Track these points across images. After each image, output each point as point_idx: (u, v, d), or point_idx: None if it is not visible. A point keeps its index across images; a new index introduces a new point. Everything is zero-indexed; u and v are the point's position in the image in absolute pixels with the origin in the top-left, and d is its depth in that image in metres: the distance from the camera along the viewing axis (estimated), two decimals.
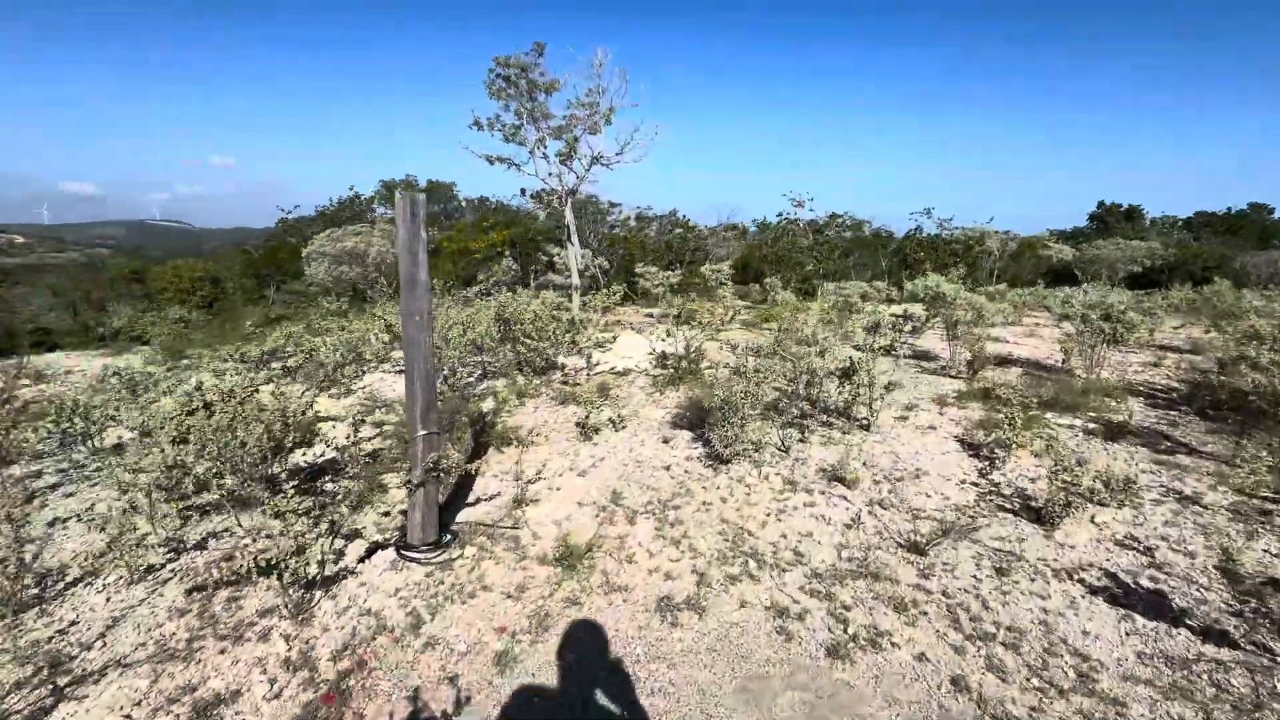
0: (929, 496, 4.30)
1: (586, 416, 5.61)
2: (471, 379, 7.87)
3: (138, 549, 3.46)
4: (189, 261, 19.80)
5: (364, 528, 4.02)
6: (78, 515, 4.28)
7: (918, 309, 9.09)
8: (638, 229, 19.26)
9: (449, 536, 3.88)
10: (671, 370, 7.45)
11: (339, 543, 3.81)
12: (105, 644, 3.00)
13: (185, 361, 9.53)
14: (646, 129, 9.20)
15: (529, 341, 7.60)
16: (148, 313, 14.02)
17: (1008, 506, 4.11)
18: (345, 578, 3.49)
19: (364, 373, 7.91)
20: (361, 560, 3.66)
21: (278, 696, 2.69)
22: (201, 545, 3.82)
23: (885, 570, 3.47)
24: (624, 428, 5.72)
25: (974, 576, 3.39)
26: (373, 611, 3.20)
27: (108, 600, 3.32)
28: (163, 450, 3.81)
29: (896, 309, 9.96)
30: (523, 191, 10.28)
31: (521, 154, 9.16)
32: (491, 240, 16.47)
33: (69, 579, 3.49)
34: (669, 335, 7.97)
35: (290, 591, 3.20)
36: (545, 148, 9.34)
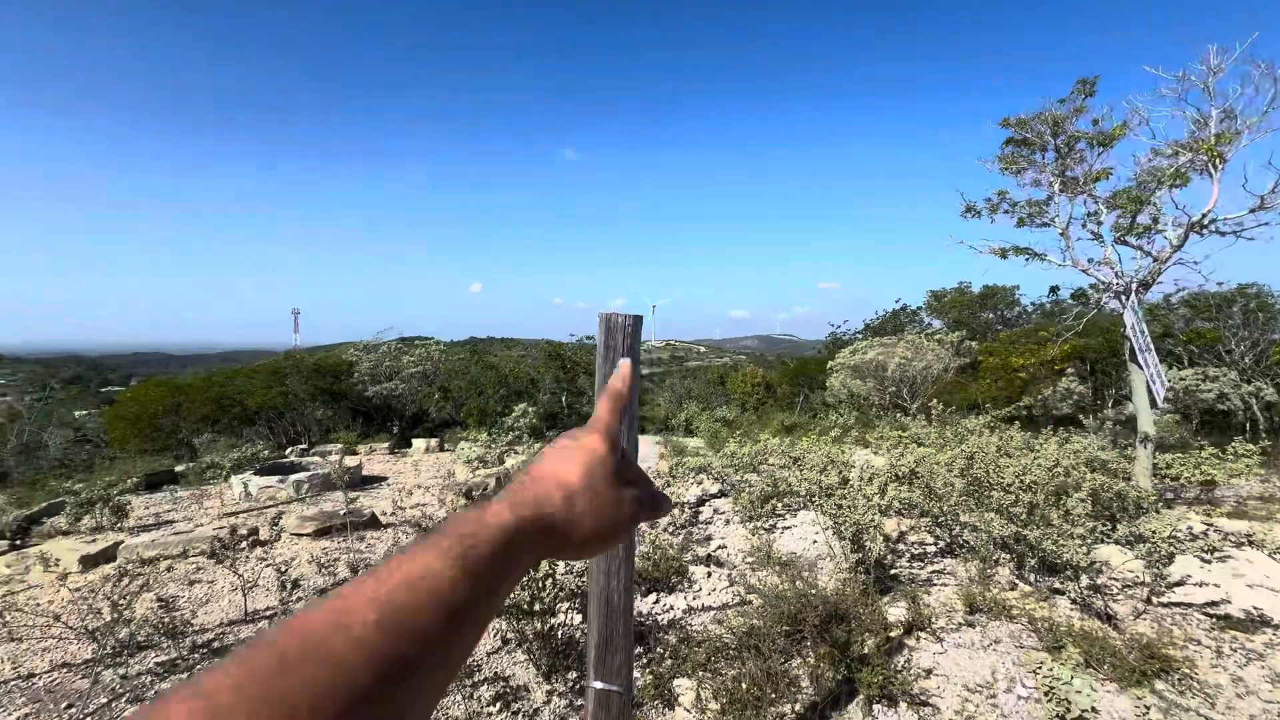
0: None
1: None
2: (916, 550, 5.51)
3: None
4: (752, 369, 23.75)
5: None
6: None
7: None
8: None
9: None
10: None
11: None
12: None
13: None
14: None
15: (1010, 504, 4.68)
16: (705, 410, 17.35)
17: None
18: None
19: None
20: None
21: None
22: None
23: None
24: None
25: None
26: None
27: None
28: None
29: None
30: (1053, 290, 6.98)
31: (1048, 239, 6.25)
32: (1043, 355, 12.44)
33: None
34: None
35: None
36: (1098, 222, 6.06)
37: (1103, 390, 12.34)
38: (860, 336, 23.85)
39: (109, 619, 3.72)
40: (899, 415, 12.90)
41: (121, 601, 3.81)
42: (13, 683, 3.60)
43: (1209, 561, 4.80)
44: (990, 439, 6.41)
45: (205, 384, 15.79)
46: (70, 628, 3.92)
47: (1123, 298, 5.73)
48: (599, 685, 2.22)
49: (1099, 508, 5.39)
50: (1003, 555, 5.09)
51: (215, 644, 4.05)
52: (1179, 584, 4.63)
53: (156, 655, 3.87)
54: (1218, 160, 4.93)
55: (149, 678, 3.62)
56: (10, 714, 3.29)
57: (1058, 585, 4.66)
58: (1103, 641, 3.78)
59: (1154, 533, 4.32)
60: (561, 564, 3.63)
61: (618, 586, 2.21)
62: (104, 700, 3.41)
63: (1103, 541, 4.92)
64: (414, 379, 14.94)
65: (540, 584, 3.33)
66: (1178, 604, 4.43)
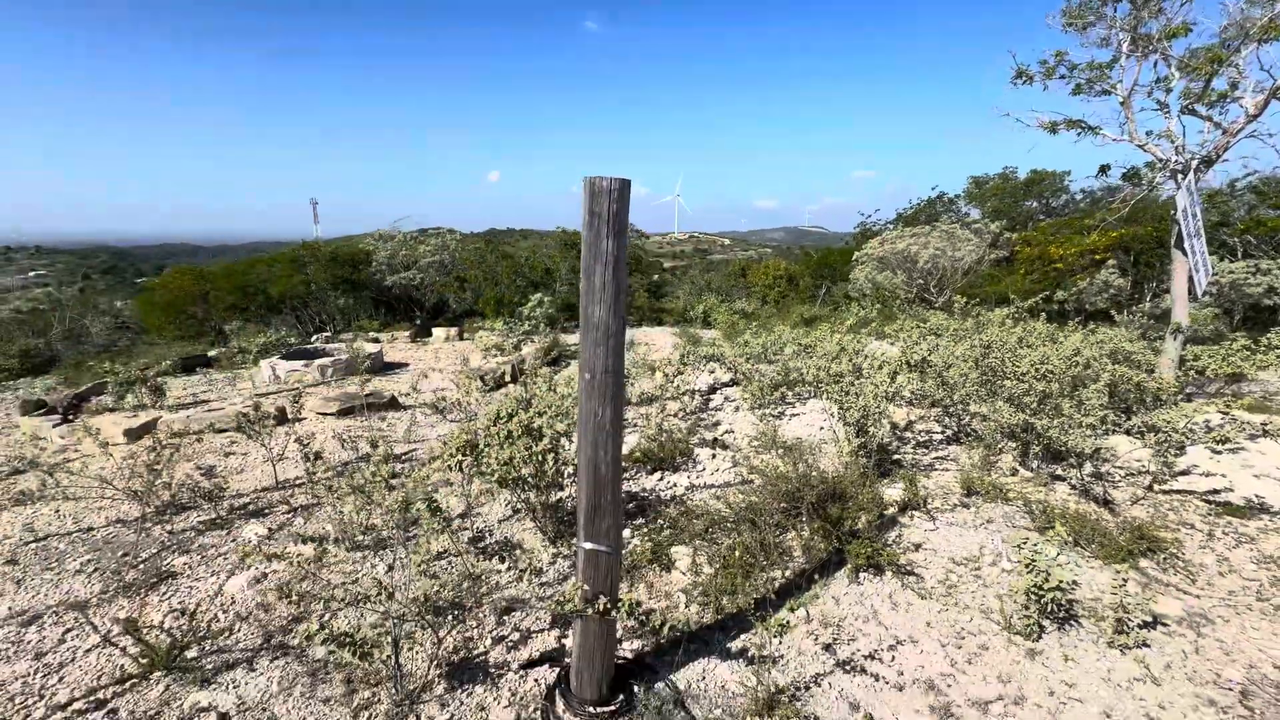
0: None
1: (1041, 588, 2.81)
2: (922, 438, 5.57)
3: None
4: (775, 261, 23.07)
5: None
6: None
7: None
8: None
9: (622, 701, 2.52)
10: None
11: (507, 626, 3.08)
12: None
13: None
14: None
15: (1023, 393, 4.63)
16: (724, 302, 17.14)
17: None
18: (481, 683, 2.73)
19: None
20: (524, 668, 2.81)
21: None
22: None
23: None
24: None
25: None
26: None
27: None
28: None
29: None
30: (1103, 170, 6.38)
31: (1105, 111, 5.59)
32: (1085, 245, 11.72)
33: None
34: None
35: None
36: (1166, 89, 5.36)
37: (1144, 285, 11.73)
38: (891, 227, 22.74)
39: (149, 481, 4.02)
40: (923, 309, 12.58)
41: (159, 467, 4.09)
42: (75, 534, 3.99)
43: (1219, 452, 4.75)
44: (1012, 330, 6.21)
45: (229, 272, 16.01)
46: (119, 489, 4.27)
47: (1179, 176, 5.19)
48: (588, 546, 2.34)
49: (1115, 399, 5.30)
50: (1008, 443, 5.11)
51: (250, 506, 4.39)
52: (1184, 473, 4.62)
53: (198, 515, 4.23)
54: None
55: (192, 533, 3.98)
56: (75, 560, 3.67)
57: (1059, 472, 4.70)
58: (1094, 523, 3.86)
59: (1168, 423, 4.25)
60: (565, 439, 3.73)
61: (605, 458, 2.25)
62: (154, 550, 3.77)
63: (1113, 432, 4.88)
64: (431, 269, 14.91)
65: (541, 458, 3.45)
66: (1179, 491, 4.45)
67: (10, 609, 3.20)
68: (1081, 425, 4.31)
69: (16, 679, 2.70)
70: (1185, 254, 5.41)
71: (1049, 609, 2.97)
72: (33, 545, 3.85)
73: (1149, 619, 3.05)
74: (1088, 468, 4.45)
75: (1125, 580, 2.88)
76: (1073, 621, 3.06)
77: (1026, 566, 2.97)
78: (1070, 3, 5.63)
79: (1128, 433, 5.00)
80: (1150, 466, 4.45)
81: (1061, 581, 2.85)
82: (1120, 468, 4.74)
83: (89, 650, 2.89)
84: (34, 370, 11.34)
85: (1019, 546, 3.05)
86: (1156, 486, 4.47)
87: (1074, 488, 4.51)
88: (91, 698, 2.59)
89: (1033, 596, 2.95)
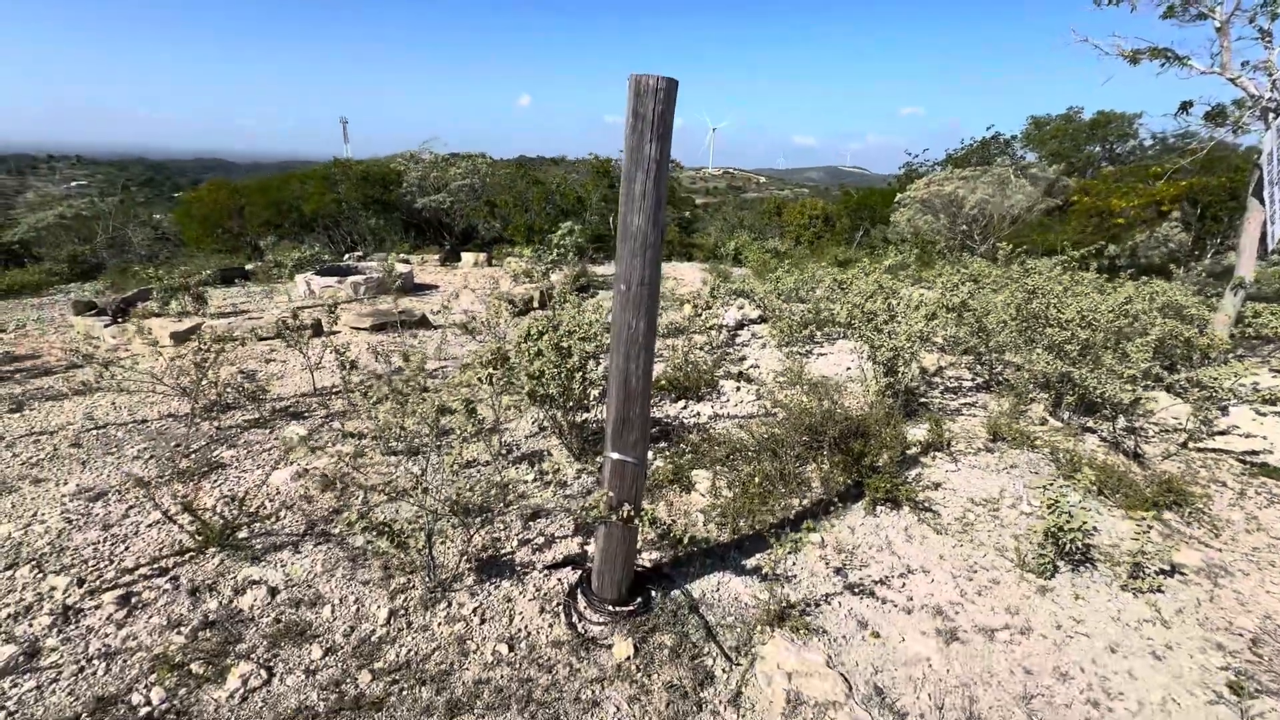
0: None
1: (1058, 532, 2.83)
2: (952, 384, 5.49)
3: None
4: (811, 200, 22.22)
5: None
6: None
7: None
8: None
9: (640, 603, 2.67)
10: None
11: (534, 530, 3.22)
12: None
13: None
14: None
15: (1064, 341, 4.50)
16: (756, 240, 16.70)
17: None
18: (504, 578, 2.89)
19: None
20: (548, 569, 2.97)
21: None
22: None
23: None
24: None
25: None
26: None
27: None
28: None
29: None
30: (1184, 107, 5.83)
31: (1197, 38, 5.05)
32: (1151, 195, 10.96)
33: None
34: None
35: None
36: (1274, 13, 4.81)
37: (1207, 240, 11.02)
38: (939, 169, 21.53)
39: (198, 380, 4.22)
40: (964, 255, 12.08)
41: (206, 367, 4.28)
42: (130, 425, 4.24)
43: (1264, 415, 4.59)
44: (1060, 277, 5.94)
45: (263, 186, 16.07)
46: (168, 386, 4.49)
47: (1271, 116, 4.73)
48: (615, 456, 2.40)
49: (1161, 355, 5.10)
50: (1040, 393, 5.01)
51: (290, 409, 4.60)
52: (1223, 433, 4.50)
53: (242, 414, 4.45)
54: None
55: (237, 430, 4.20)
56: (132, 447, 3.92)
57: (1091, 425, 4.61)
58: (1122, 474, 3.81)
59: (1214, 379, 4.09)
60: (592, 361, 3.77)
61: (636, 370, 2.26)
62: (204, 443, 4.00)
63: (1153, 387, 4.73)
64: (461, 192, 14.73)
65: (569, 375, 3.50)
66: (1215, 450, 4.35)
67: (79, 485, 3.46)
68: (1122, 376, 4.19)
69: (88, 545, 2.96)
70: (1263, 203, 5.02)
71: (1066, 550, 2.99)
72: (94, 431, 4.12)
73: (1166, 567, 3.06)
74: (1121, 421, 4.36)
75: (1149, 528, 2.87)
76: (1088, 564, 3.09)
77: (1049, 507, 2.97)
78: None
79: (1169, 388, 4.84)
80: (1188, 424, 4.34)
81: (1084, 523, 2.85)
82: (1156, 423, 4.62)
83: (150, 525, 3.13)
84: (82, 276, 11.76)
85: (1044, 488, 3.04)
86: (1192, 444, 4.37)
87: (1104, 440, 4.44)
88: (155, 565, 2.83)
89: (1051, 537, 2.96)
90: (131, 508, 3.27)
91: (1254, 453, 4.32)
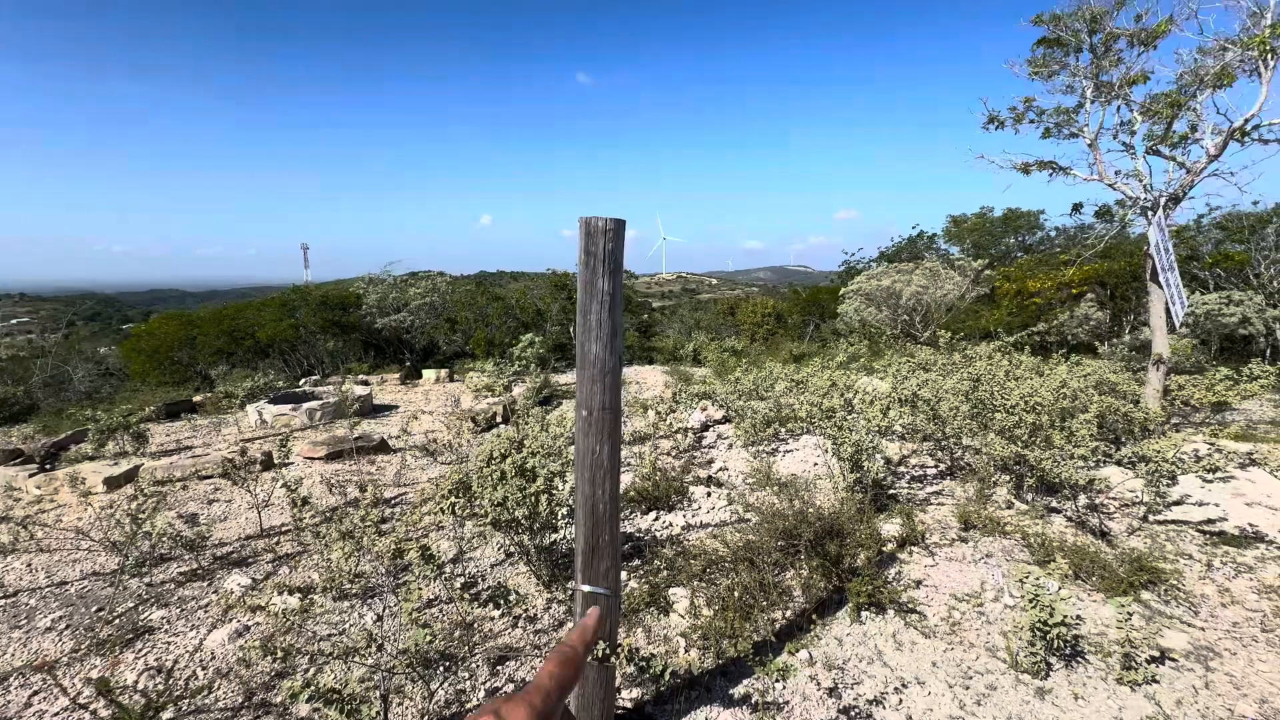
0: None
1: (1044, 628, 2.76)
2: (916, 473, 5.56)
3: None
4: (762, 300, 23.41)
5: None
6: None
7: None
8: None
9: None
10: None
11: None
12: None
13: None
14: None
15: (1013, 425, 4.65)
16: (713, 340, 17.28)
17: None
18: None
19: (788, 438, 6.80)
20: None
21: None
22: None
23: None
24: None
25: None
26: None
27: None
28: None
29: None
30: (1076, 208, 6.63)
31: (1074, 151, 5.86)
32: (1060, 278, 12.04)
33: None
34: None
35: None
36: (1131, 131, 5.64)
37: (1122, 317, 12.02)
38: (875, 265, 23.22)
39: (130, 532, 3.90)
40: (909, 344, 12.74)
41: (141, 516, 3.97)
42: (47, 589, 3.82)
43: (1210, 481, 4.78)
44: (1000, 363, 6.30)
45: (217, 317, 15.94)
46: (95, 541, 4.12)
47: (1150, 213, 5.41)
48: (586, 588, 2.29)
49: (1104, 430, 5.35)
50: (1002, 476, 5.12)
51: (234, 556, 4.25)
52: (1177, 503, 4.64)
53: (178, 566, 4.08)
54: (1269, 55, 4.47)
55: (172, 585, 3.83)
56: (46, 617, 3.51)
57: (1054, 504, 4.69)
58: (1094, 555, 3.83)
59: (1158, 453, 4.28)
60: (559, 480, 3.68)
61: (603, 496, 2.22)
62: (131, 605, 3.62)
63: (1104, 463, 4.90)
64: (421, 311, 14.95)
65: (535, 499, 3.39)
66: (1174, 521, 4.45)
67: None
68: (1073, 456, 4.34)
69: None
70: (1161, 287, 5.57)
71: (1055, 645, 2.92)
72: (1, 602, 3.68)
73: (1156, 653, 3.00)
74: (1082, 499, 4.46)
75: (1130, 615, 2.85)
76: (1080, 658, 3.00)
77: (1030, 601, 2.93)
78: (1034, 53, 5.96)
79: (1119, 463, 5.02)
80: (1144, 497, 4.47)
81: (1066, 617, 2.81)
82: (1114, 498, 4.74)
83: (56, 715, 2.73)
84: (11, 419, 11.09)
85: (1021, 581, 3.02)
86: (1151, 517, 4.47)
87: (1070, 520, 4.50)
88: None
89: (1038, 633, 2.90)
90: (36, 694, 2.87)
91: (1210, 521, 4.44)
